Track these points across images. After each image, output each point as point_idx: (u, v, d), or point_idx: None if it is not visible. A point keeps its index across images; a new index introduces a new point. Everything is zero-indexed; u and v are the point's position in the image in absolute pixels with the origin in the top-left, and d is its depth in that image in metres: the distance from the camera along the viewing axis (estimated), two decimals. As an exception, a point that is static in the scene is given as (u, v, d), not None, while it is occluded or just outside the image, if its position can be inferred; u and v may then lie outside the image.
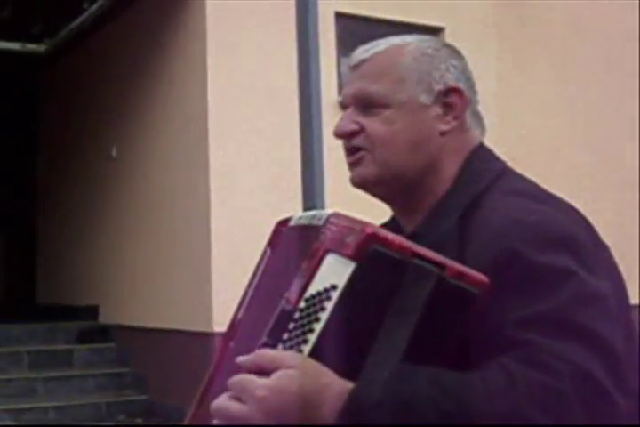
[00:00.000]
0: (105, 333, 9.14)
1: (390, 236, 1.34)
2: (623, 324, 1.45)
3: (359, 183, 1.67)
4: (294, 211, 1.92)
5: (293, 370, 1.28)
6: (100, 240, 9.60)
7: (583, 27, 9.28)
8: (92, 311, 9.50)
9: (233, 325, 1.65)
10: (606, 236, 1.63)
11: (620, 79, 9.37)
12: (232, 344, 1.53)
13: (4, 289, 11.76)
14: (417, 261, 1.32)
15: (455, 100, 1.66)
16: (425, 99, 1.63)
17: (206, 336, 7.16)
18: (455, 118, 1.66)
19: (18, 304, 11.14)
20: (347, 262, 1.32)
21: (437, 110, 1.64)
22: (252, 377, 1.29)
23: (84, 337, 9.06)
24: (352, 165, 1.66)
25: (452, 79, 1.66)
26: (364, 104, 1.64)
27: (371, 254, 1.31)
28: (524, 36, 8.98)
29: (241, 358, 1.32)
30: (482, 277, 1.34)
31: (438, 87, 1.64)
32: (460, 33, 8.54)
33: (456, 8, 8.60)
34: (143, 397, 8.22)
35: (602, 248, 1.57)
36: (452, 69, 1.67)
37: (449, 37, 8.37)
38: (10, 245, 11.93)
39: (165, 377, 7.94)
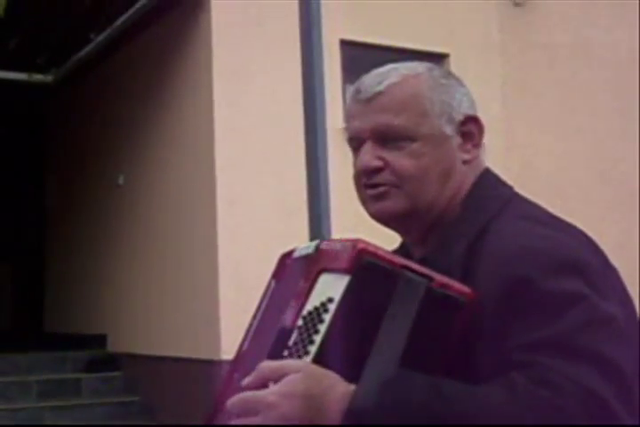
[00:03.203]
0: (113, 361, 9.11)
1: (380, 250, 1.41)
2: (635, 345, 1.45)
3: (385, 217, 1.63)
4: (302, 238, 1.92)
5: (299, 374, 1.31)
6: (108, 269, 9.60)
7: (588, 50, 9.31)
8: (100, 340, 9.48)
9: (238, 356, 1.66)
10: (613, 257, 1.63)
11: (626, 102, 9.38)
12: (236, 376, 1.54)
13: (13, 318, 11.75)
14: (406, 272, 1.40)
15: (472, 128, 1.66)
16: (448, 130, 1.62)
17: (214, 364, 7.14)
18: (475, 146, 1.66)
19: (26, 333, 11.12)
20: (341, 276, 1.39)
21: (458, 140, 1.64)
22: (255, 391, 1.32)
23: (92, 366, 9.03)
24: (375, 199, 1.62)
25: (467, 108, 1.66)
26: (385, 138, 1.60)
27: (363, 266, 1.38)
28: (528, 60, 9.01)
29: (245, 381, 1.34)
30: (465, 288, 1.42)
31: (458, 117, 1.64)
32: (464, 59, 8.57)
33: (460, 34, 8.64)
34: (151, 425, 8.19)
35: (611, 272, 1.57)
36: (464, 98, 1.67)
37: (454, 63, 8.41)
38: (18, 274, 11.94)
39: (173, 405, 7.90)
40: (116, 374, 8.95)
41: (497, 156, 8.13)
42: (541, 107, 8.97)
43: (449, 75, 1.69)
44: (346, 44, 8.08)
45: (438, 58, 8.27)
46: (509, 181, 1.72)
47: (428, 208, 1.62)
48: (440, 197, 1.62)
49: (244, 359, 1.62)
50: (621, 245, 8.70)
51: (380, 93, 1.62)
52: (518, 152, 8.71)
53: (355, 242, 1.39)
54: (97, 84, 10.05)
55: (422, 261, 1.51)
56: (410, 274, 1.39)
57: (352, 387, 1.32)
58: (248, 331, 1.67)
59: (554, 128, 9.01)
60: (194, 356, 7.63)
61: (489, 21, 8.81)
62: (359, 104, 1.65)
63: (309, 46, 4.30)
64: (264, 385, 1.32)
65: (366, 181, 1.63)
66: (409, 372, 1.33)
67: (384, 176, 1.61)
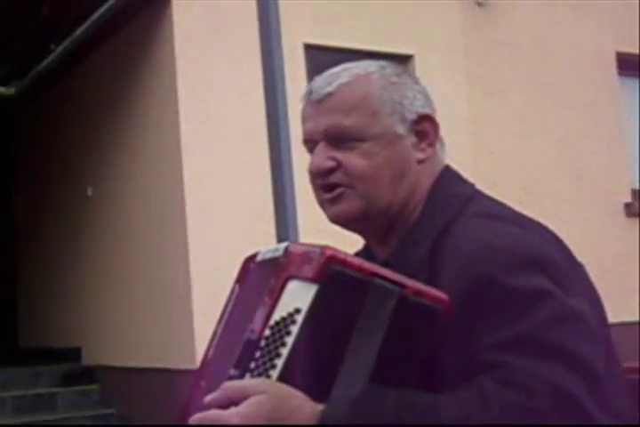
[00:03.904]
0: (88, 374, 9.03)
1: (349, 257, 1.35)
2: (603, 341, 1.44)
3: (342, 220, 1.63)
4: (274, 244, 1.90)
5: (263, 395, 1.28)
6: (80, 281, 9.53)
7: (551, 48, 9.35)
8: (75, 353, 9.39)
9: (203, 363, 1.63)
10: (584, 257, 1.62)
11: (591, 99, 9.44)
12: (203, 383, 1.51)
13: (-14, 335, 11.63)
14: (377, 280, 1.34)
15: (427, 127, 1.64)
16: (400, 129, 1.61)
17: (190, 374, 7.08)
18: (430, 145, 1.64)
19: (0, 349, 11.02)
20: (309, 285, 1.32)
21: (412, 139, 1.62)
22: (219, 411, 1.28)
23: (67, 380, 8.95)
24: (331, 202, 1.62)
25: (420, 106, 1.64)
26: (337, 139, 1.60)
27: (332, 275, 1.32)
28: (492, 59, 9.03)
29: (208, 397, 1.31)
30: (441, 294, 1.36)
31: (411, 116, 1.62)
32: (429, 59, 8.58)
33: (424, 35, 8.64)
34: (130, 438, 8.13)
35: (576, 267, 1.56)
36: (418, 96, 1.65)
37: (419, 64, 8.41)
38: (-11, 290, 11.82)
39: (151, 417, 7.84)
40: (91, 387, 8.87)
41: (465, 155, 8.14)
42: (507, 105, 9.00)
43: (402, 73, 1.68)
44: (310, 48, 8.06)
45: (403, 59, 8.27)
46: (479, 181, 1.71)
47: (384, 208, 1.60)
48: (395, 196, 1.60)
49: (210, 367, 1.59)
50: (593, 242, 8.75)
51: (330, 94, 1.61)
52: (486, 151, 8.73)
53: (323, 249, 1.34)
54: (61, 95, 9.98)
55: (386, 264, 1.49)
56: (381, 282, 1.33)
57: (319, 407, 1.28)
58: (213, 338, 1.64)
59: (520, 126, 9.04)
60: (169, 366, 7.58)
61: (452, 22, 8.82)
62: (311, 105, 1.64)
63: (270, 51, 4.29)
64: (228, 404, 1.28)
65: (321, 182, 1.62)
66: (379, 387, 1.30)
67: (337, 176, 1.60)
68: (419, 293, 1.34)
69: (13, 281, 11.46)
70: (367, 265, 1.35)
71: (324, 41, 8.14)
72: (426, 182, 1.64)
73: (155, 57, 7.95)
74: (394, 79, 1.64)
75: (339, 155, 1.60)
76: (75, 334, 9.58)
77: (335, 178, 1.60)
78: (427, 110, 1.65)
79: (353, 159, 1.58)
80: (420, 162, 1.63)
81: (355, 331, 1.30)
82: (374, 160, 1.58)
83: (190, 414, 1.38)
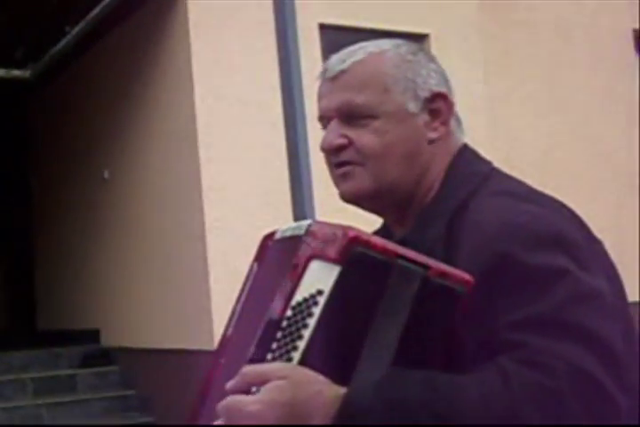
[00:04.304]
0: (107, 356, 9.10)
1: (373, 238, 1.33)
2: (622, 320, 1.43)
3: (352, 198, 1.62)
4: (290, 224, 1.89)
5: (283, 381, 1.27)
6: (98, 263, 9.57)
7: (568, 27, 9.30)
8: (94, 335, 9.46)
9: (223, 342, 1.63)
10: (603, 236, 1.61)
11: (607, 78, 9.38)
12: (223, 361, 1.51)
13: (6, 317, 11.71)
14: (401, 261, 1.31)
15: (441, 105, 1.63)
16: (413, 107, 1.60)
17: (209, 354, 7.11)
18: (443, 124, 1.63)
19: (19, 331, 11.10)
20: (331, 267, 1.31)
21: (425, 117, 1.61)
22: (241, 397, 1.27)
23: (86, 361, 9.01)
24: (341, 179, 1.61)
25: (434, 84, 1.63)
26: (349, 116, 1.59)
27: (355, 257, 1.30)
28: (509, 38, 8.99)
29: (229, 384, 1.30)
30: (465, 275, 1.34)
31: (424, 94, 1.61)
32: (445, 39, 8.54)
33: (440, 14, 8.60)
34: (149, 419, 8.17)
35: (595, 245, 1.54)
36: (433, 74, 1.64)
37: (434, 43, 8.38)
38: (8, 274, 11.89)
39: (171, 398, 7.89)
40: (110, 368, 8.93)
41: (481, 134, 8.11)
42: (524, 85, 8.96)
43: (418, 51, 1.66)
44: (325, 28, 8.03)
45: (418, 38, 8.24)
46: (495, 160, 1.70)
47: (394, 187, 1.59)
48: (406, 174, 1.59)
49: (230, 345, 1.59)
50: (611, 222, 8.72)
51: (343, 72, 1.61)
52: (503, 130, 8.70)
53: (345, 230, 1.32)
54: (76, 77, 9.99)
55: (402, 242, 1.48)
56: (405, 263, 1.31)
57: (342, 390, 1.27)
58: (232, 316, 1.64)
59: (537, 106, 9.00)
60: (187, 347, 7.62)
61: (468, 1, 8.77)
62: (326, 83, 1.64)
63: (284, 32, 4.28)
64: (249, 390, 1.27)
65: (333, 160, 1.62)
66: (402, 370, 1.29)
67: (349, 154, 1.60)
68: (443, 274, 1.32)
69: (31, 264, 11.53)
70: (391, 246, 1.33)
71: (339, 21, 8.11)
72: (442, 161, 1.63)
73: (169, 39, 7.94)
74: (408, 57, 1.63)
75: (350, 132, 1.59)
76: (93, 316, 9.63)
77: (346, 155, 1.59)
78: (441, 89, 1.63)
79: (364, 137, 1.58)
80: (431, 141, 1.61)
81: (377, 313, 1.29)
82: (385, 137, 1.57)
83: (211, 392, 1.37)
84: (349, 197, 1.62)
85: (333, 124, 1.61)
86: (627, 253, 8.41)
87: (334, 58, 1.65)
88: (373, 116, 1.58)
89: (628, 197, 9.25)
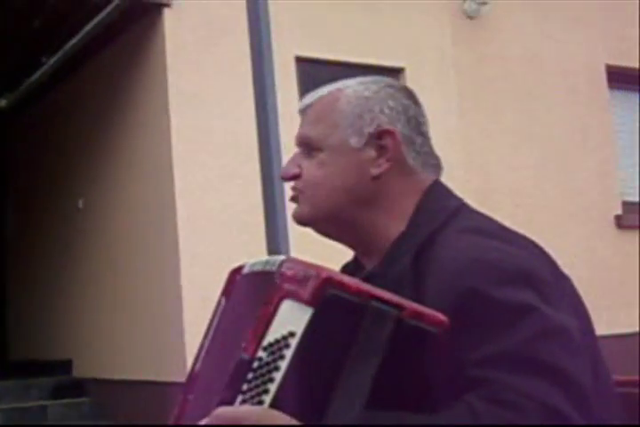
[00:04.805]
0: (79, 387, 9.00)
1: (346, 279, 1.32)
2: (589, 355, 1.44)
3: (297, 221, 1.74)
4: (263, 256, 1.90)
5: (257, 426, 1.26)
6: (71, 293, 9.51)
7: (542, 62, 9.39)
8: (66, 366, 9.36)
9: (191, 377, 1.62)
10: (575, 269, 1.62)
11: (581, 113, 9.47)
12: (191, 397, 1.50)
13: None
14: (374, 303, 1.30)
15: (388, 142, 1.66)
16: (355, 142, 1.66)
17: (181, 386, 7.06)
18: (388, 161, 1.66)
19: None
20: (304, 308, 1.29)
21: (371, 153, 1.66)
22: None
23: (57, 392, 8.92)
24: (294, 204, 1.75)
25: (385, 121, 1.66)
26: (306, 148, 1.70)
27: (328, 299, 1.29)
28: (483, 73, 9.06)
29: (201, 423, 1.29)
30: (440, 316, 1.33)
31: (369, 130, 1.65)
32: (420, 72, 8.60)
33: (416, 48, 8.67)
34: (120, 451, 8.09)
35: (563, 281, 1.56)
36: (387, 111, 1.67)
37: (410, 77, 8.43)
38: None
39: (142, 430, 7.82)
40: (82, 399, 8.83)
41: (456, 169, 8.15)
42: (498, 119, 9.02)
43: (384, 88, 1.70)
44: (301, 61, 8.08)
45: (394, 72, 8.30)
46: (469, 194, 1.72)
47: (328, 217, 1.68)
48: (339, 207, 1.66)
49: (198, 381, 1.58)
50: (583, 257, 8.77)
51: (308, 106, 1.73)
52: (477, 164, 8.74)
53: (319, 270, 1.31)
54: (52, 108, 9.98)
55: (370, 276, 1.50)
56: (379, 304, 1.29)
57: None
58: (200, 351, 1.64)
59: (511, 140, 9.06)
60: (160, 379, 7.56)
61: (443, 35, 8.85)
62: (300, 115, 1.74)
63: (261, 64, 4.30)
64: None
65: (291, 187, 1.75)
66: (374, 411, 1.28)
67: (299, 182, 1.71)
68: (417, 315, 1.31)
69: (3, 293, 11.42)
70: (364, 287, 1.31)
71: (316, 54, 8.16)
72: (410, 197, 1.65)
73: (146, 69, 7.96)
74: (365, 94, 1.68)
75: (304, 162, 1.71)
76: (65, 347, 9.55)
77: (297, 183, 1.72)
78: (392, 126, 1.66)
79: (310, 168, 1.69)
80: (375, 177, 1.65)
81: (351, 355, 1.27)
82: (325, 169, 1.67)
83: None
84: (296, 221, 1.74)
85: (295, 154, 1.73)
86: (600, 287, 8.45)
87: (310, 93, 1.76)
88: (320, 149, 1.68)
89: (603, 231, 9.30)
